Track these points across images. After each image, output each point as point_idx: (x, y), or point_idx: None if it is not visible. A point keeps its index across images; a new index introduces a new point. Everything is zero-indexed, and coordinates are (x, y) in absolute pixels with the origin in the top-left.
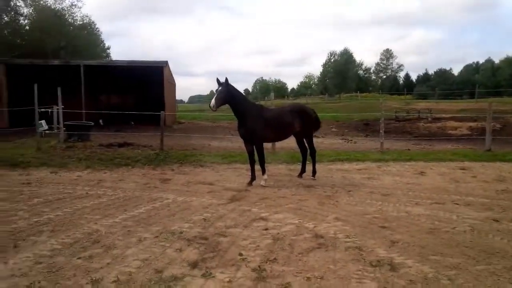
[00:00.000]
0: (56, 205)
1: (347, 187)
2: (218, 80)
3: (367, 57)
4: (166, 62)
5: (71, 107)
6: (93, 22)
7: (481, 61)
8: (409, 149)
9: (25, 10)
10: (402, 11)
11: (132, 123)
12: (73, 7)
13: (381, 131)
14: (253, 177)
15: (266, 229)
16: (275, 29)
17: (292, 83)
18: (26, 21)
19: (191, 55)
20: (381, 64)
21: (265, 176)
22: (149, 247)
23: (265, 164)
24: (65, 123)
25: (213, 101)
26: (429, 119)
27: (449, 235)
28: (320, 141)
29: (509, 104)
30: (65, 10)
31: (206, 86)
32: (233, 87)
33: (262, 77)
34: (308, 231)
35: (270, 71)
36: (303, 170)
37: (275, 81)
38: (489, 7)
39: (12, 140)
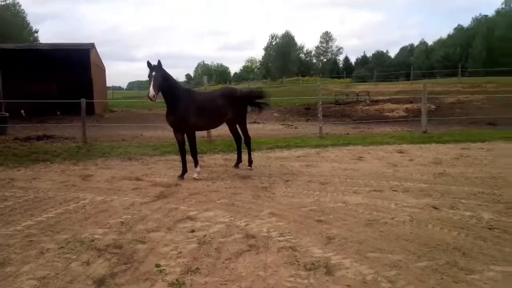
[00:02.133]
0: None
1: (285, 177)
2: (149, 64)
3: (310, 40)
4: (92, 45)
5: None
6: (17, 3)
7: (416, 43)
8: (348, 133)
9: None
10: None
11: (58, 112)
12: None
13: (319, 115)
14: (184, 170)
15: (193, 231)
16: (221, 10)
17: (235, 68)
18: None
19: (132, 39)
20: (321, 47)
21: (198, 168)
22: (51, 261)
23: (198, 155)
24: None
25: (151, 90)
26: (367, 102)
27: (387, 227)
28: (260, 128)
29: (443, 85)
30: None
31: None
32: (165, 70)
33: (203, 61)
34: (239, 230)
35: (214, 55)
36: (239, 160)
37: (217, 65)
38: None
39: None
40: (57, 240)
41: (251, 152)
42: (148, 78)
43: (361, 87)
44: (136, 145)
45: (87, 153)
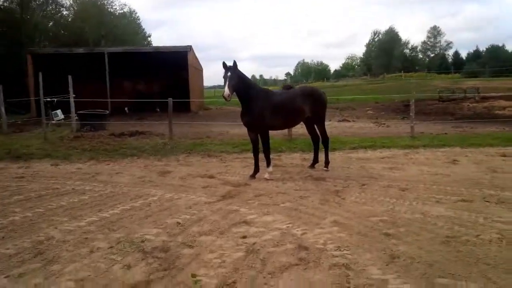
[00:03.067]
0: (32, 203)
1: (362, 180)
2: (224, 65)
3: (416, 35)
4: (190, 47)
5: (96, 96)
6: (133, 11)
7: None
8: (446, 133)
9: (66, 1)
10: None
11: (158, 109)
12: None
13: (411, 114)
14: (256, 169)
15: (244, 237)
16: (321, 10)
17: (336, 65)
18: (67, 12)
19: (235, 42)
20: (428, 42)
21: (270, 168)
22: (95, 261)
23: (276, 154)
24: (78, 112)
25: (226, 89)
26: (476, 98)
27: (468, 246)
28: (348, 126)
29: None
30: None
31: (249, 70)
32: (240, 71)
33: (303, 60)
34: (293, 239)
35: (316, 54)
36: (315, 161)
37: (317, 63)
38: None
39: (28, 131)
40: (110, 239)
41: (328, 153)
42: (223, 79)
43: (470, 83)
44: (217, 143)
45: (171, 150)
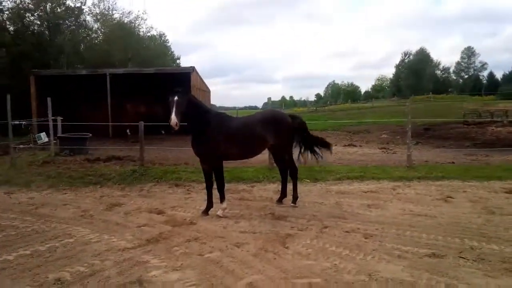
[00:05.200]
0: None
1: (328, 221)
2: (174, 90)
3: (450, 56)
4: (193, 68)
5: (97, 117)
6: (163, 34)
7: None
8: (453, 162)
9: (94, 25)
10: (490, 6)
11: (163, 132)
12: (139, 19)
13: (407, 141)
14: (209, 205)
15: None
16: (354, 32)
17: (366, 86)
18: (95, 35)
19: (270, 63)
20: (462, 63)
21: (224, 205)
22: None
23: (253, 183)
24: (57, 136)
25: (173, 117)
26: (504, 122)
27: None
28: (351, 152)
29: None
30: (132, 23)
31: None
32: (192, 95)
33: (334, 81)
34: None
35: (349, 75)
36: (283, 195)
37: (348, 84)
38: None
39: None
40: None
41: (297, 186)
42: (169, 103)
43: (501, 106)
44: (191, 170)
45: (139, 178)
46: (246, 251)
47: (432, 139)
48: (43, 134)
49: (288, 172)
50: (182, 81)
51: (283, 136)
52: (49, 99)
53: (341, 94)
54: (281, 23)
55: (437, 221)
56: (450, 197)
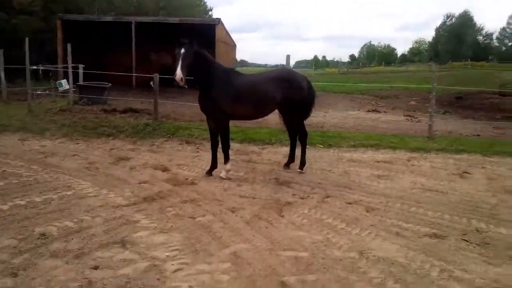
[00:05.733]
0: None
1: (332, 190)
2: (180, 41)
3: (495, 22)
4: (219, 20)
5: (122, 66)
6: None
7: None
8: (478, 135)
9: None
10: None
11: (186, 86)
12: None
13: (430, 110)
14: (213, 165)
15: (95, 268)
16: None
17: (403, 49)
18: None
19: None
20: (508, 30)
21: (228, 166)
22: None
23: (263, 145)
24: (76, 83)
25: (178, 71)
26: None
27: None
28: (373, 118)
29: None
30: None
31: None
32: (198, 47)
33: (370, 42)
34: (147, 283)
35: (387, 36)
36: (290, 159)
37: (384, 46)
38: None
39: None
40: None
41: (306, 151)
42: (175, 56)
43: None
44: (204, 127)
45: (152, 132)
46: (239, 217)
47: (461, 109)
48: (64, 81)
49: (297, 136)
50: (208, 33)
51: (293, 97)
52: (69, 45)
53: (376, 56)
54: None
55: (447, 198)
56: (467, 173)
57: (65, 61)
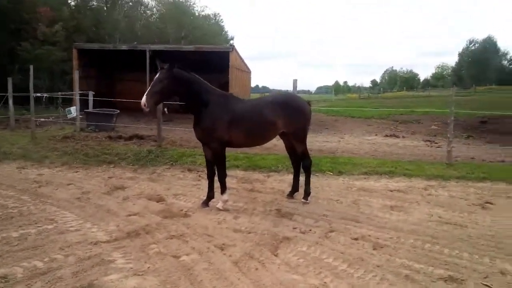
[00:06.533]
0: None
1: (337, 224)
2: (157, 64)
3: None
4: (232, 47)
5: (137, 92)
6: (217, 14)
7: None
8: (503, 161)
9: (150, 2)
10: None
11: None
12: None
13: (448, 136)
14: (210, 195)
15: None
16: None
17: (426, 74)
18: (149, 12)
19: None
20: None
21: (225, 196)
22: None
23: (269, 173)
24: (84, 110)
25: (144, 96)
26: None
27: None
28: (390, 143)
29: None
30: (187, 1)
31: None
32: (181, 71)
33: (392, 67)
34: None
35: (409, 62)
36: (294, 189)
37: (406, 71)
38: None
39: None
40: None
41: (310, 180)
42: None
43: None
44: None
45: (154, 159)
46: (228, 255)
47: (485, 133)
48: (73, 108)
49: (300, 163)
50: (222, 60)
51: (295, 123)
52: (76, 72)
53: (397, 82)
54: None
55: (467, 233)
56: (490, 203)
57: (81, 88)
